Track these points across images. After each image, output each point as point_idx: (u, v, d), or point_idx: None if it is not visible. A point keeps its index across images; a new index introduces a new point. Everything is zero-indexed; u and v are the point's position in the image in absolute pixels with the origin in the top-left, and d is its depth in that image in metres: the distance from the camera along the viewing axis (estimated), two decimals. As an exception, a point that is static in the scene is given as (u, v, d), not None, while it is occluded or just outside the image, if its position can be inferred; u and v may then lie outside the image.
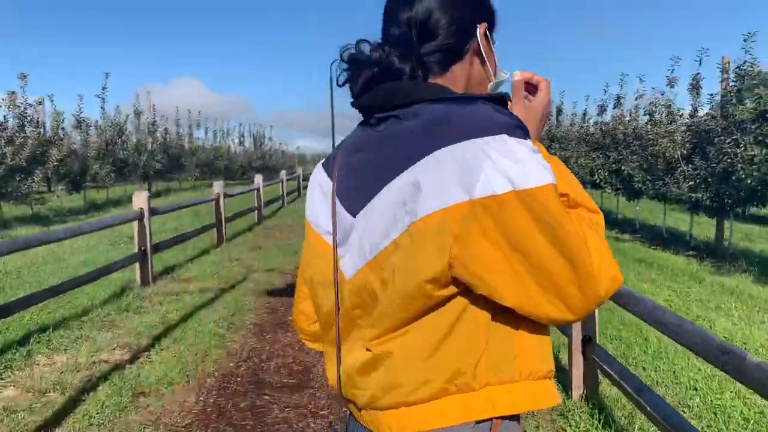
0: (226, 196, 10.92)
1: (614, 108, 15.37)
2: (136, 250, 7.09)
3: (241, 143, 37.49)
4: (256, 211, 13.97)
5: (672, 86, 11.78)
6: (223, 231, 10.68)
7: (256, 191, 14.06)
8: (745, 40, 9.29)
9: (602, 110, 16.37)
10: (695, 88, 10.93)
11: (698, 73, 11.01)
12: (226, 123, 34.99)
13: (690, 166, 10.33)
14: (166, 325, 5.49)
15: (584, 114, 19.20)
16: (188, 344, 4.99)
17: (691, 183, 10.06)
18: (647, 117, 12.71)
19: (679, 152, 10.34)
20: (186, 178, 26.88)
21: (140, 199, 7.02)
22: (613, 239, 13.21)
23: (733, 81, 9.71)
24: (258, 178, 14.21)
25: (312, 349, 4.97)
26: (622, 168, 13.33)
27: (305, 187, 25.17)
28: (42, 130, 14.37)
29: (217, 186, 10.53)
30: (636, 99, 13.69)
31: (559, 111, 21.76)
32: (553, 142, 21.66)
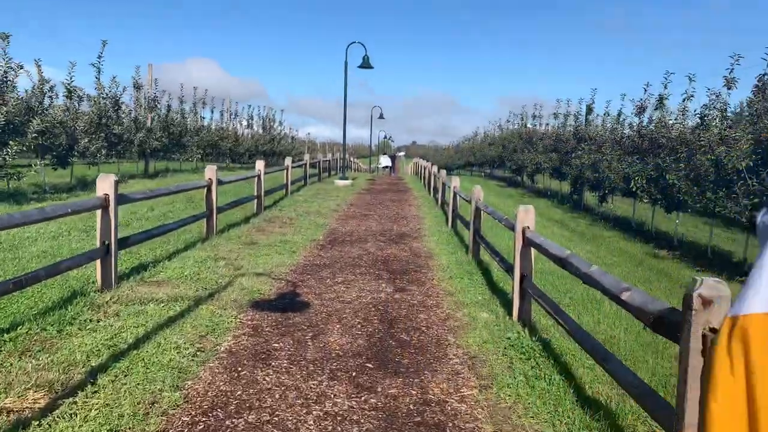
0: (219, 183, 9.73)
1: (656, 109, 14.05)
2: (98, 244, 5.91)
3: (249, 126, 36.31)
4: (255, 201, 12.79)
5: (730, 88, 10.50)
6: (214, 223, 9.51)
7: (256, 178, 12.87)
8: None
9: (641, 111, 15.06)
10: (762, 90, 9.62)
11: (766, 74, 9.69)
12: (235, 104, 33.82)
13: (755, 180, 9.05)
14: (113, 351, 4.31)
15: (619, 114, 17.83)
16: (134, 383, 3.81)
17: (754, 200, 8.79)
18: (698, 121, 11.42)
19: (744, 163, 9.05)
20: (188, 159, 25.77)
21: (105, 184, 5.84)
22: (651, 255, 11.95)
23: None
24: (259, 164, 13.01)
25: (296, 403, 4.01)
26: (665, 176, 12.05)
27: (312, 176, 24.19)
28: (24, 96, 13.20)
29: (210, 171, 9.34)
30: (684, 100, 12.42)
31: (589, 109, 20.41)
32: (581, 142, 20.30)
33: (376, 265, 8.42)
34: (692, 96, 12.12)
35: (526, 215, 5.61)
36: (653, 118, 13.83)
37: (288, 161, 17.04)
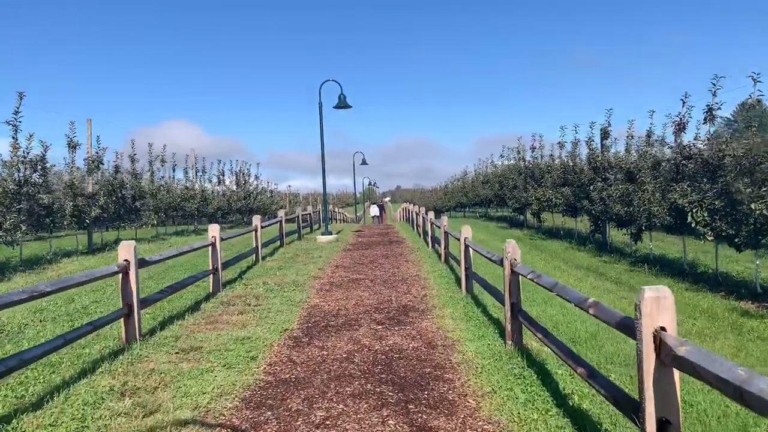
0: (142, 263, 7.06)
1: (705, 123, 11.71)
2: None
3: (220, 182, 33.81)
4: (211, 277, 10.13)
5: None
6: (136, 322, 6.80)
7: (210, 248, 10.23)
8: None
9: (680, 128, 12.72)
10: None
11: None
12: (202, 160, 31.34)
13: None
14: None
15: (648, 135, 15.49)
16: None
17: None
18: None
19: None
20: (142, 225, 22.95)
21: None
22: (736, 312, 9.33)
23: None
24: (213, 229, 10.39)
25: None
26: (738, 205, 9.59)
27: (292, 233, 21.49)
28: None
29: (125, 249, 6.65)
30: (747, 109, 10.11)
31: (605, 134, 18.13)
32: (599, 172, 17.93)
33: (375, 372, 5.75)
34: (760, 100, 9.86)
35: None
36: (701, 134, 11.54)
37: (257, 220, 14.43)
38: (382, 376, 5.66)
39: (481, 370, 5.69)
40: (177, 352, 6.47)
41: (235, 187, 35.87)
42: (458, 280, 10.56)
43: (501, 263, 6.78)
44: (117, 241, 20.27)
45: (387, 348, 6.64)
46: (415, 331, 7.37)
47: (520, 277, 6.36)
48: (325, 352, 6.53)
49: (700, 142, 11.68)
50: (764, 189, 9.10)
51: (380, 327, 7.65)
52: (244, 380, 5.53)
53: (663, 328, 3.01)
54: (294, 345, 6.88)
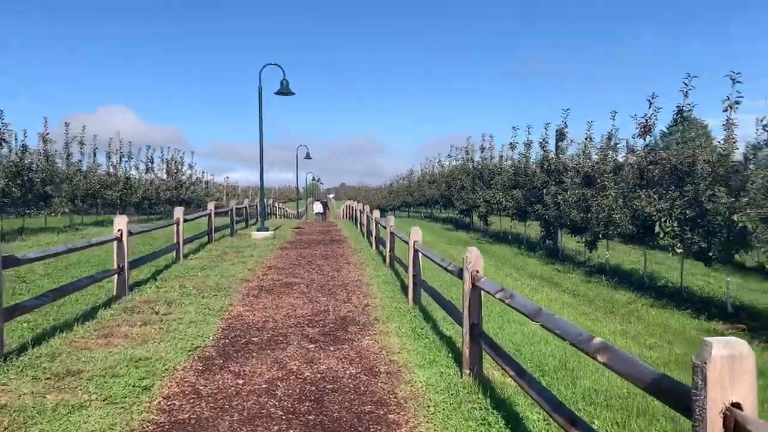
0: (17, 262, 5.66)
1: (675, 125, 11.04)
2: None
3: (149, 170, 31.69)
4: (116, 277, 8.70)
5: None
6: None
7: (116, 243, 8.77)
8: None
9: (646, 131, 12.05)
10: None
11: None
12: (128, 144, 29.16)
13: None
14: None
15: (609, 137, 14.82)
16: None
17: None
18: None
19: None
20: (51, 213, 20.78)
21: None
22: (707, 332, 8.60)
23: None
24: (119, 221, 8.93)
25: None
26: (717, 215, 8.89)
27: (224, 227, 19.87)
28: None
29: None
30: (725, 110, 9.45)
31: (561, 135, 17.46)
32: (552, 175, 17.26)
33: (302, 412, 4.59)
34: (738, 102, 9.21)
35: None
36: (674, 136, 10.85)
37: (178, 212, 12.96)
38: (310, 417, 4.49)
39: (434, 410, 4.61)
40: (48, 378, 5.11)
41: (165, 176, 33.80)
42: (404, 288, 9.50)
43: (459, 275, 5.72)
44: (21, 231, 18.19)
45: (319, 375, 5.48)
46: (354, 352, 6.24)
47: (482, 292, 5.31)
48: (241, 381, 5.31)
49: (670, 150, 10.98)
50: (746, 198, 8.47)
51: (313, 346, 6.47)
52: (126, 423, 4.25)
53: (737, 405, 1.97)
54: (203, 369, 5.62)
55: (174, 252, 12.66)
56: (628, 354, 2.64)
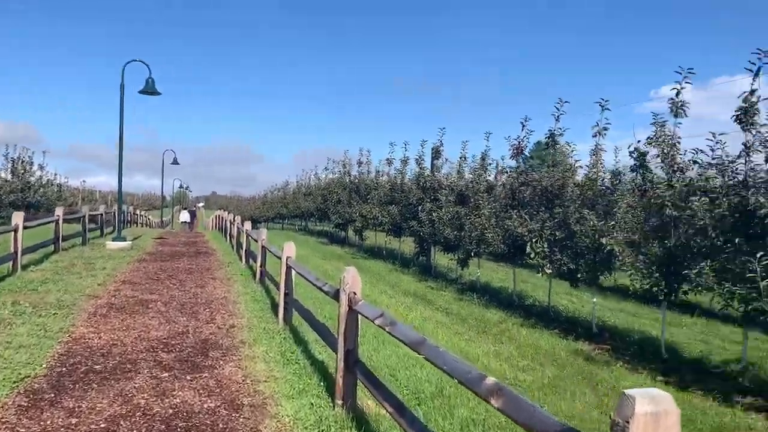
0: None
1: (547, 148, 11.42)
2: None
3: (-11, 169, 28.34)
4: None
5: (677, 114, 8.00)
6: None
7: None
8: None
9: (518, 152, 12.40)
10: (744, 119, 7.09)
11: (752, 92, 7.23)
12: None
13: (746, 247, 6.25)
14: None
15: (483, 158, 15.16)
16: None
17: (751, 280, 5.93)
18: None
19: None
20: None
21: None
22: (573, 352, 8.78)
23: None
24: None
25: None
26: (587, 238, 9.19)
27: (73, 237, 17.94)
28: None
29: None
30: (594, 135, 9.86)
31: (437, 153, 17.69)
32: (427, 192, 17.42)
33: (146, 461, 3.92)
34: (606, 128, 9.66)
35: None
36: (548, 158, 11.22)
37: (17, 218, 11.46)
38: (156, 466, 3.84)
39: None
40: None
41: (10, 177, 30.45)
42: (275, 306, 8.92)
43: (335, 296, 5.30)
44: None
45: (171, 411, 4.80)
46: (214, 382, 5.60)
47: (359, 316, 4.92)
48: (75, 420, 4.52)
49: (540, 172, 11.40)
50: (613, 222, 8.87)
51: (167, 374, 5.75)
52: None
53: None
54: (29, 406, 4.75)
55: (10, 263, 11.13)
56: (527, 400, 2.33)
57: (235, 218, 20.05)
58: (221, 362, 6.24)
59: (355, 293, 4.91)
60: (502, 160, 14.15)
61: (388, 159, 23.04)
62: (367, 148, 27.39)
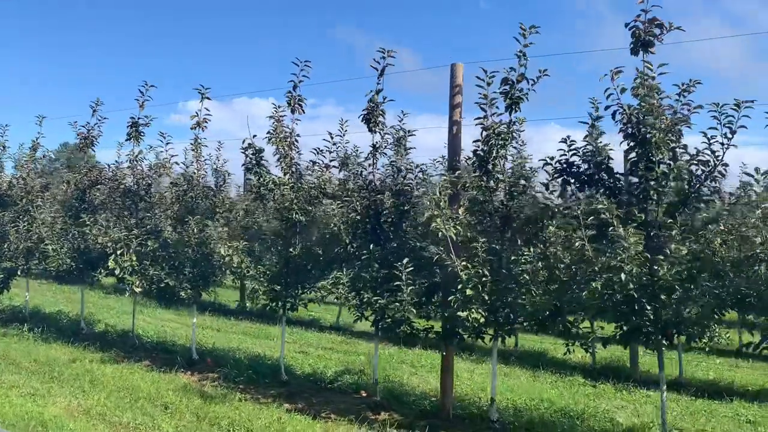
0: None
1: (129, 139, 9.33)
2: None
3: None
4: None
5: (294, 110, 7.23)
6: None
7: None
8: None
9: (87, 144, 9.92)
10: (371, 118, 6.74)
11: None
12: None
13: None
14: None
15: (35, 148, 11.71)
16: None
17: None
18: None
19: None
20: None
21: None
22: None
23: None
24: None
25: None
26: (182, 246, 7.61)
27: None
28: None
29: None
30: (194, 127, 8.36)
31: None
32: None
33: None
34: (207, 121, 8.19)
35: None
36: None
37: None
38: None
39: None
40: None
41: None
42: None
43: None
44: None
45: None
46: None
47: None
48: None
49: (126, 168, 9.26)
50: (222, 228, 7.58)
51: None
52: None
53: None
54: None
55: None
56: None
57: None
58: None
59: None
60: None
61: None
62: None
